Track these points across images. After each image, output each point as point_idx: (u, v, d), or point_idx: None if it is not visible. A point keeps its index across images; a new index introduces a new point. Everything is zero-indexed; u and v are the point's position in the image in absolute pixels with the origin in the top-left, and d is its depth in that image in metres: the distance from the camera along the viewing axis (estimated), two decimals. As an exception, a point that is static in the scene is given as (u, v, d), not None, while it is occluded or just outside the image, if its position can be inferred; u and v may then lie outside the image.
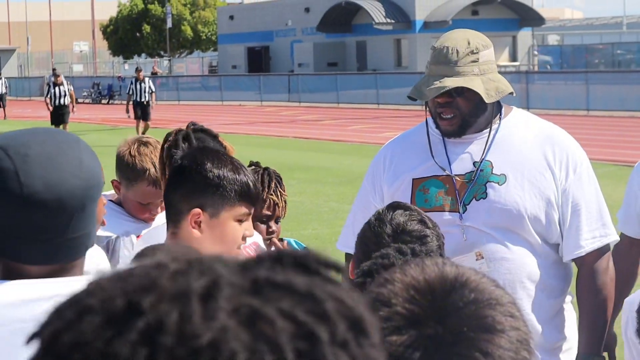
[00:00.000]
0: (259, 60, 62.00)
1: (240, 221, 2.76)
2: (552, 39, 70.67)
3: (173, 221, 2.79)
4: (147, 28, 69.25)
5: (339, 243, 3.80)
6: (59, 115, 28.68)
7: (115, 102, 50.80)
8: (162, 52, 69.88)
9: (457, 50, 3.44)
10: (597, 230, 3.50)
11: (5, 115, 39.18)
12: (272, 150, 22.51)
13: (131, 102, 28.12)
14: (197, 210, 2.73)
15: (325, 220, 13.23)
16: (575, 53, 54.19)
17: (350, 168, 19.07)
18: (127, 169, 3.91)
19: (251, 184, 2.75)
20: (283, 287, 0.78)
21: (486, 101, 3.42)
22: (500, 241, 3.41)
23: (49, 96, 29.23)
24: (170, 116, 35.37)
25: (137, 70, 29.10)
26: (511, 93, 3.50)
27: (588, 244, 3.49)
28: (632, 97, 30.97)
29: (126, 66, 69.74)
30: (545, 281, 3.48)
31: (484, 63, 3.46)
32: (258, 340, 0.75)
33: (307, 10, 59.41)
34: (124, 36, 70.55)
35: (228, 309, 0.75)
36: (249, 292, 0.77)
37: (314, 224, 12.95)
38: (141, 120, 27.96)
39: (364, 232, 2.73)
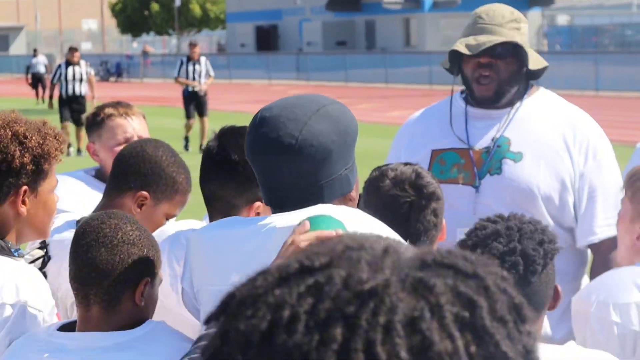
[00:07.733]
0: (267, 39, 61.84)
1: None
2: (562, 19, 70.37)
3: (225, 215, 2.65)
4: (155, 6, 69.06)
5: None
6: (71, 110, 19.41)
7: (123, 80, 50.76)
8: (170, 31, 69.73)
9: (502, 14, 3.43)
10: (612, 219, 3.39)
11: None
12: (280, 129, 22.43)
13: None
14: (258, 203, 2.68)
15: (333, 199, 13.22)
16: (585, 33, 53.99)
17: (357, 146, 18.96)
18: (94, 118, 3.67)
19: None
20: (449, 266, 0.83)
21: (530, 67, 3.40)
22: (511, 219, 3.38)
23: (57, 78, 19.81)
24: (179, 94, 35.29)
25: (192, 45, 20.62)
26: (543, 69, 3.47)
27: (602, 231, 3.44)
28: (642, 77, 30.88)
29: (135, 44, 69.64)
30: (557, 265, 3.44)
31: (524, 34, 3.45)
32: (419, 301, 0.79)
33: (316, -11, 59.22)
34: (132, 14, 70.38)
35: (395, 277, 0.80)
36: (417, 267, 0.82)
37: (323, 202, 12.97)
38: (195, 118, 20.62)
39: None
